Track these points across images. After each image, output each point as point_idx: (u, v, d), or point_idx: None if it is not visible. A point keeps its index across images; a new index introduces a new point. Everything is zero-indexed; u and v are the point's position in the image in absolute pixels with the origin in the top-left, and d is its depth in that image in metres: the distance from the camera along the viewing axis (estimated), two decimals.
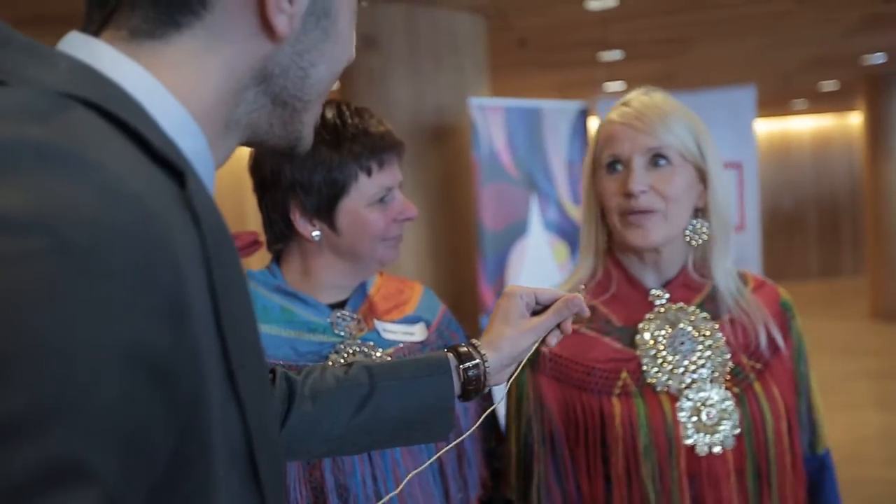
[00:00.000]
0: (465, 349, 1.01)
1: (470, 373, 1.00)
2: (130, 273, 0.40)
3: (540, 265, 4.08)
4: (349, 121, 1.22)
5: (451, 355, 1.01)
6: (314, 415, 0.96)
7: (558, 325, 1.03)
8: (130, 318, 0.40)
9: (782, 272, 11.94)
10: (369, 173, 1.22)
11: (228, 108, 0.56)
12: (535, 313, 1.05)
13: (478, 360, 1.00)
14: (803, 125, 12.25)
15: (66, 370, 0.37)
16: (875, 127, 8.58)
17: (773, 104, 10.55)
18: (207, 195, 0.51)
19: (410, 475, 1.11)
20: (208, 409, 0.45)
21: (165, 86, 0.52)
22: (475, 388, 1.01)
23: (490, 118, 4.05)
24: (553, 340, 1.05)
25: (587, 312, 1.03)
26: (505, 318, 1.03)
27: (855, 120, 11.44)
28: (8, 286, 0.36)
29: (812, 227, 12.16)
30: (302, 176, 1.20)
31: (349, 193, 1.22)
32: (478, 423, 1.10)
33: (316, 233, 1.24)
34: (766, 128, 11.94)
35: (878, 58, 7.33)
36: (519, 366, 1.05)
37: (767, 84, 8.32)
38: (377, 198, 1.24)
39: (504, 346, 1.01)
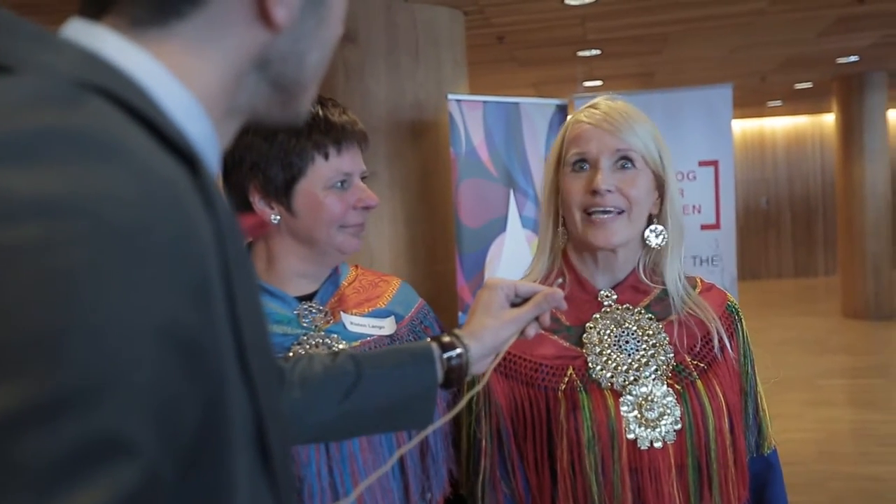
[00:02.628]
0: (448, 339, 1.05)
1: (453, 362, 1.04)
2: (166, 254, 0.42)
3: (518, 262, 4.08)
4: (311, 109, 1.22)
5: (434, 345, 1.04)
6: (302, 401, 0.98)
7: (536, 318, 1.08)
8: (166, 298, 0.42)
9: (757, 270, 12.06)
10: (326, 157, 1.24)
11: (230, 95, 0.57)
12: (513, 305, 1.09)
13: (460, 350, 1.04)
14: (778, 124, 12.38)
15: (110, 348, 0.39)
16: (848, 127, 8.69)
17: (749, 103, 10.65)
18: (215, 181, 0.52)
19: (370, 479, 1.11)
20: (228, 387, 0.47)
21: (171, 73, 0.52)
22: (457, 377, 1.04)
23: (468, 114, 4.04)
24: (531, 332, 1.09)
25: (565, 306, 1.07)
26: (486, 309, 1.07)
27: (828, 120, 11.58)
28: (53, 269, 0.38)
29: (786, 225, 12.30)
30: (261, 159, 1.22)
31: (306, 175, 1.24)
32: (443, 421, 1.11)
33: (275, 216, 1.24)
34: (742, 126, 12.06)
35: (852, 59, 7.42)
36: (498, 356, 1.09)
37: (743, 83, 8.39)
38: (334, 182, 1.25)
39: (486, 336, 1.05)
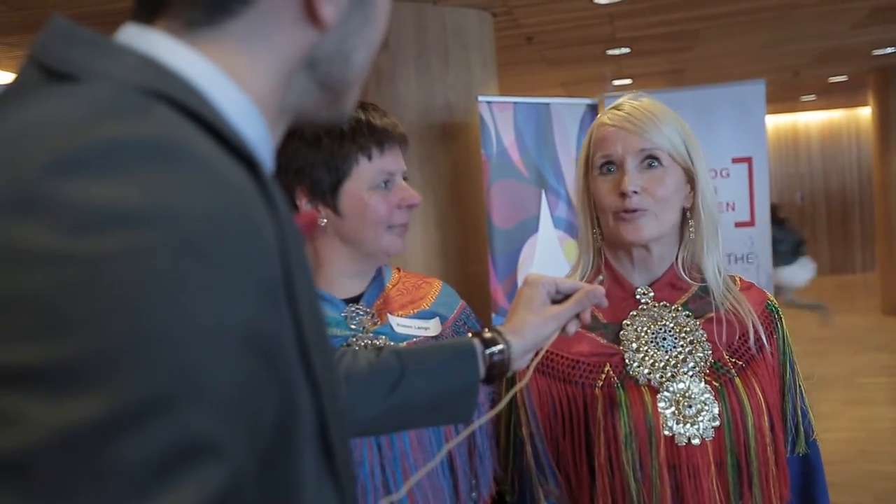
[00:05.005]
0: (490, 335, 1.05)
1: (495, 357, 1.04)
2: (241, 260, 0.43)
3: (551, 262, 4.07)
4: (353, 114, 1.26)
5: (476, 340, 1.04)
6: (348, 397, 0.99)
7: (577, 315, 1.08)
8: (244, 303, 0.42)
9: None
10: (370, 158, 1.27)
11: (281, 95, 0.57)
12: (554, 302, 1.10)
13: (502, 346, 1.04)
14: (812, 119, 12.19)
15: (195, 354, 0.39)
16: (885, 120, 8.53)
17: (782, 98, 10.50)
18: (274, 182, 0.53)
19: (419, 474, 1.12)
20: (298, 387, 0.48)
21: (226, 74, 0.53)
22: (499, 373, 1.05)
23: (499, 115, 4.04)
24: (572, 329, 1.10)
25: (606, 303, 1.08)
26: (528, 305, 1.07)
27: (864, 113, 11.38)
28: (135, 279, 0.39)
29: (822, 221, 12.10)
30: (306, 164, 1.26)
31: (350, 176, 1.26)
32: (488, 416, 1.12)
33: (322, 219, 1.28)
34: (775, 122, 11.89)
35: (888, 50, 7.29)
36: (540, 352, 1.09)
37: (776, 78, 8.28)
38: (378, 182, 1.28)
39: (528, 332, 1.05)
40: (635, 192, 1.26)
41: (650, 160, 1.29)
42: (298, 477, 0.49)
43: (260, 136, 0.55)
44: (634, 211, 1.27)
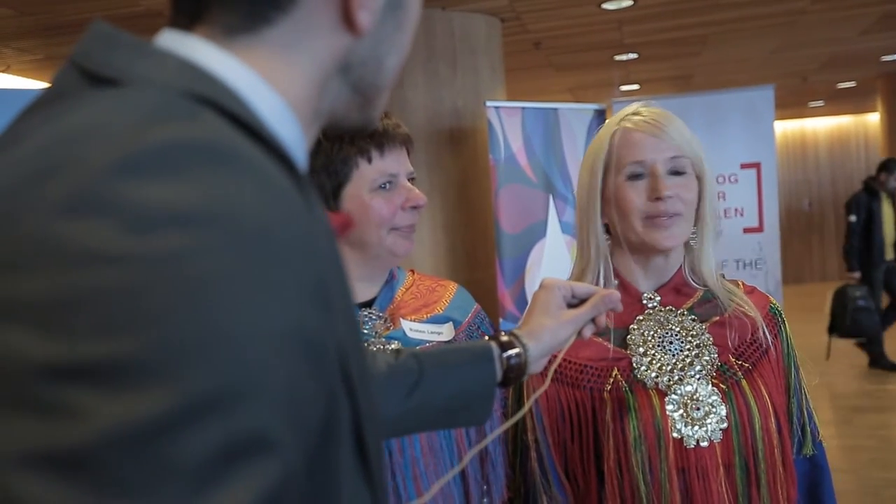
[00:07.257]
0: (507, 338, 1.06)
1: (512, 361, 1.04)
2: (293, 260, 0.44)
3: (558, 267, 4.07)
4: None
5: (493, 344, 1.05)
6: None
7: (593, 319, 1.09)
8: (296, 302, 0.43)
9: (800, 274, 11.85)
10: (370, 160, 1.26)
11: (316, 99, 0.58)
12: (570, 306, 1.10)
13: (519, 349, 1.05)
14: (820, 125, 12.17)
15: (249, 351, 0.40)
16: (893, 126, 8.51)
17: (790, 104, 10.49)
18: (310, 183, 0.54)
19: (434, 488, 1.11)
20: (338, 386, 0.49)
21: (263, 79, 0.54)
22: (516, 376, 1.05)
23: (507, 120, 4.05)
24: (587, 333, 1.10)
25: (621, 308, 1.08)
26: (545, 309, 1.08)
27: (873, 119, 11.35)
28: (194, 278, 0.40)
29: (830, 227, 12.07)
30: (308, 169, 1.24)
31: (351, 180, 1.26)
32: (506, 426, 1.12)
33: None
34: (783, 128, 11.88)
35: None
36: (557, 357, 1.09)
37: (784, 84, 8.28)
38: (379, 184, 1.27)
39: (545, 336, 1.06)
40: (669, 197, 1.27)
41: (677, 167, 1.30)
42: (338, 475, 0.50)
43: (295, 138, 0.56)
44: (667, 216, 1.27)
